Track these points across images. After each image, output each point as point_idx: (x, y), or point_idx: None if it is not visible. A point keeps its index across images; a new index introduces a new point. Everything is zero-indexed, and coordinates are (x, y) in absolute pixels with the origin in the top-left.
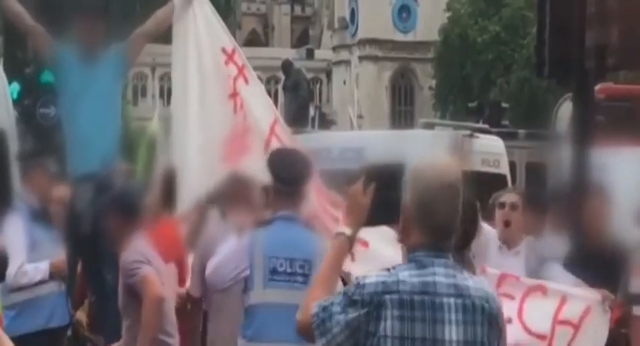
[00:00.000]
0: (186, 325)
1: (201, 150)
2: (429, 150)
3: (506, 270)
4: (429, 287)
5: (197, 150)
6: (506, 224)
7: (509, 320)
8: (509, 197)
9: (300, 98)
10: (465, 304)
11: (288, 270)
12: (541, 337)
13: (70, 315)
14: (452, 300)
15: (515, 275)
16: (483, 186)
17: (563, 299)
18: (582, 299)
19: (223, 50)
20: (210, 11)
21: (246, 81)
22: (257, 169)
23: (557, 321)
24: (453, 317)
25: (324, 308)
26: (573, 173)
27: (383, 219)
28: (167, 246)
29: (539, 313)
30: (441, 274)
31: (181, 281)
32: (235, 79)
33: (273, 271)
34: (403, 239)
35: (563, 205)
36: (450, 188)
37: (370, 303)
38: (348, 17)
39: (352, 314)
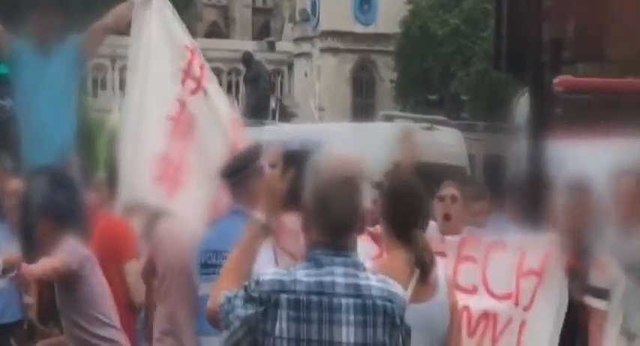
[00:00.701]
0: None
1: (136, 151)
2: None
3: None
4: (326, 288)
5: (132, 150)
6: (446, 217)
7: (475, 289)
8: (448, 190)
9: (261, 90)
10: (364, 304)
11: (215, 262)
12: (506, 296)
13: (22, 310)
14: (350, 301)
15: (476, 237)
16: (442, 178)
17: (523, 250)
18: (540, 244)
19: (186, 47)
20: (170, 12)
21: (205, 89)
22: (189, 209)
23: (520, 275)
24: (351, 318)
25: (229, 300)
26: (530, 165)
27: (299, 206)
28: (121, 245)
29: (502, 271)
30: (340, 274)
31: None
32: (184, 102)
33: (204, 265)
34: (304, 235)
35: (520, 197)
36: (346, 182)
37: (267, 302)
38: (309, 9)
39: (250, 310)
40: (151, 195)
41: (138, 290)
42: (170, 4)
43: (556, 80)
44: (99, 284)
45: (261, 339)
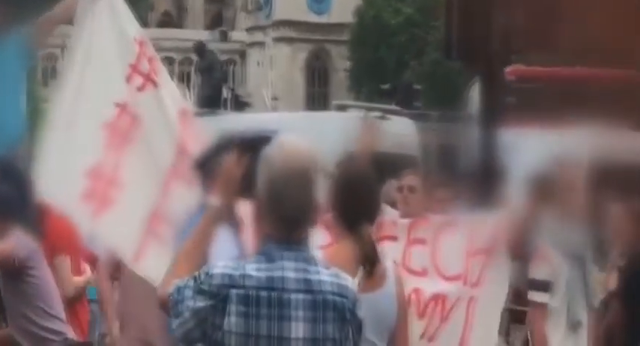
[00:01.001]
0: (81, 310)
1: (62, 163)
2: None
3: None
4: (276, 283)
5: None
6: (405, 207)
7: (425, 272)
8: (407, 180)
9: (214, 80)
10: (314, 300)
11: None
12: (456, 277)
13: None
14: (300, 296)
15: (425, 218)
16: (395, 167)
17: (472, 230)
18: (489, 223)
19: (135, 40)
20: (119, 2)
21: (155, 84)
22: (118, 229)
23: (469, 255)
24: (301, 313)
25: (179, 290)
26: (482, 154)
27: (253, 192)
28: (57, 237)
29: (452, 253)
30: (291, 269)
31: (77, 271)
32: (124, 105)
33: None
34: (256, 227)
35: (473, 185)
36: (300, 174)
37: (217, 295)
38: None
39: (200, 302)
40: (76, 215)
41: (67, 285)
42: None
43: (507, 69)
44: (45, 277)
45: (210, 332)
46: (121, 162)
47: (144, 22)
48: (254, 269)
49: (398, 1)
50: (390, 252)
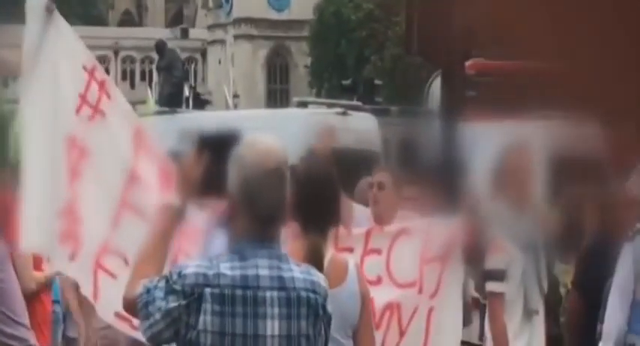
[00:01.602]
0: (40, 309)
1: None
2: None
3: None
4: (251, 281)
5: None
6: (375, 204)
7: (379, 280)
8: (376, 177)
9: (175, 78)
10: (288, 297)
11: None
12: (410, 285)
13: None
14: (275, 294)
15: (380, 227)
16: (356, 163)
17: (427, 236)
18: (443, 229)
19: (84, 68)
20: (68, 31)
21: (103, 114)
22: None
23: (424, 262)
24: (276, 311)
25: (148, 291)
26: (443, 149)
27: (214, 191)
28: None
29: (406, 260)
30: (265, 266)
31: (37, 266)
32: (74, 139)
33: None
34: (229, 226)
35: (434, 181)
36: (273, 173)
37: (191, 295)
38: None
39: (173, 303)
40: (55, 258)
41: (28, 280)
42: (66, 24)
43: (468, 63)
44: (10, 279)
45: (184, 332)
46: (77, 197)
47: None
48: (228, 268)
49: None
50: None
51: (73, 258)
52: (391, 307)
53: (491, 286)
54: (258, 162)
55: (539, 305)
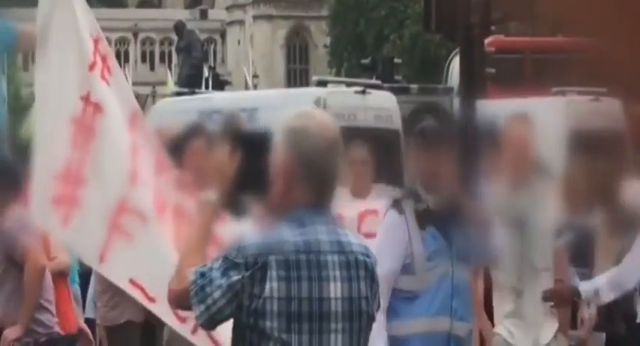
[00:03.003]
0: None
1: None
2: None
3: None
4: (313, 246)
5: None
6: (357, 180)
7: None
8: (358, 154)
9: (194, 59)
10: (348, 260)
11: None
12: None
13: None
14: (336, 257)
15: (372, 209)
16: (377, 142)
17: None
18: None
19: (90, 36)
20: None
21: (108, 83)
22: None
23: None
24: (338, 273)
25: (203, 275)
26: (463, 125)
27: (249, 186)
28: None
29: None
30: (323, 232)
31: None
32: (87, 97)
33: None
34: (281, 199)
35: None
36: (333, 143)
37: (254, 264)
38: None
39: (235, 276)
40: (46, 222)
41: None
42: None
43: (487, 40)
44: None
45: (247, 303)
46: (85, 159)
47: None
48: (290, 235)
49: None
50: None
51: (65, 222)
52: None
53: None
54: (320, 132)
55: (527, 284)
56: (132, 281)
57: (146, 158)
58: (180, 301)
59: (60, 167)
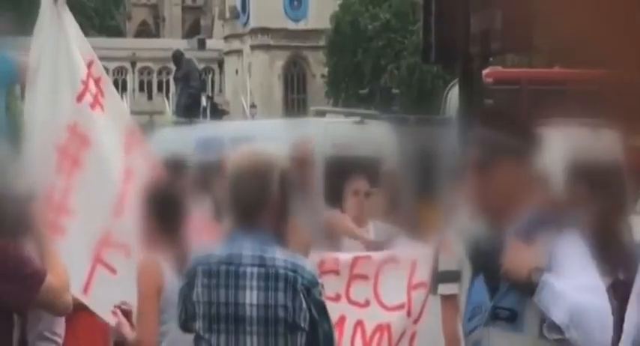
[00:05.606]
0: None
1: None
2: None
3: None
4: (234, 259)
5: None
6: (359, 209)
7: (367, 303)
8: (360, 184)
9: (192, 89)
10: (267, 273)
11: None
12: (399, 307)
13: None
14: (255, 269)
15: (367, 255)
16: (374, 172)
17: (414, 264)
18: (430, 256)
19: (84, 60)
20: (73, 29)
21: (102, 107)
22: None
23: (411, 287)
24: (255, 283)
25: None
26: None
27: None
28: None
29: (393, 284)
30: (248, 247)
31: None
32: (74, 126)
33: None
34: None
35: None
36: (251, 170)
37: (188, 274)
38: (239, 6)
39: (182, 284)
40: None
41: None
42: (74, 22)
43: (485, 71)
44: None
45: (188, 306)
46: (70, 188)
47: (121, 33)
48: (218, 250)
49: (375, 7)
50: (332, 285)
51: None
52: (381, 328)
53: (444, 289)
54: (238, 163)
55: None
56: (115, 313)
57: (138, 184)
58: None
59: (42, 192)
